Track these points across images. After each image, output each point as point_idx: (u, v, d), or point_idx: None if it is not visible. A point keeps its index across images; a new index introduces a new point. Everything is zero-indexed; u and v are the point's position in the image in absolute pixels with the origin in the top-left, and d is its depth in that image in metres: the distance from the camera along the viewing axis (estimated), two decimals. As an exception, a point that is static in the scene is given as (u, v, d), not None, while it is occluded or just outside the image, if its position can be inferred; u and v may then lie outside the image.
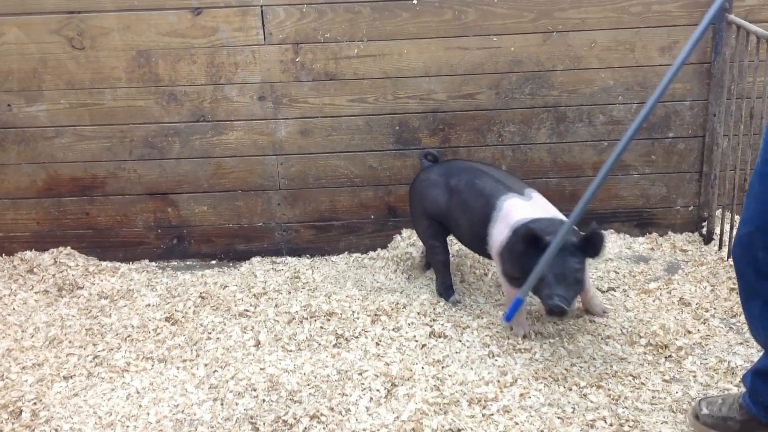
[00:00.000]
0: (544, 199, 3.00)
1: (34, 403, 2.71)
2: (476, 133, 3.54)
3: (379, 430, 2.51)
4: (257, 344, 3.00)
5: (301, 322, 3.13)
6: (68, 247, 3.62)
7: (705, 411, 2.40)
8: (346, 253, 3.70)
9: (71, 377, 2.85)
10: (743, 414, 2.34)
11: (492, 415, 2.54)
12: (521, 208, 2.90)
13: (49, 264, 3.54)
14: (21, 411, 2.68)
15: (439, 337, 2.98)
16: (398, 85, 3.46)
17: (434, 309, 3.15)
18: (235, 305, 3.24)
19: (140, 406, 2.69)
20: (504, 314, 2.67)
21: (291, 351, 2.96)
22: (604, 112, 3.50)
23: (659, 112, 3.51)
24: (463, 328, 3.02)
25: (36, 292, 3.39)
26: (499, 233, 2.92)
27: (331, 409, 2.65)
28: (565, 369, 2.76)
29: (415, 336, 2.99)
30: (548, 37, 3.39)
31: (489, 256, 3.03)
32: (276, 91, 3.47)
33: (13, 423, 2.64)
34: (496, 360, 2.83)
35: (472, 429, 2.47)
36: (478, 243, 3.03)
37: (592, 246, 2.67)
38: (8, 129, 3.49)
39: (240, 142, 3.53)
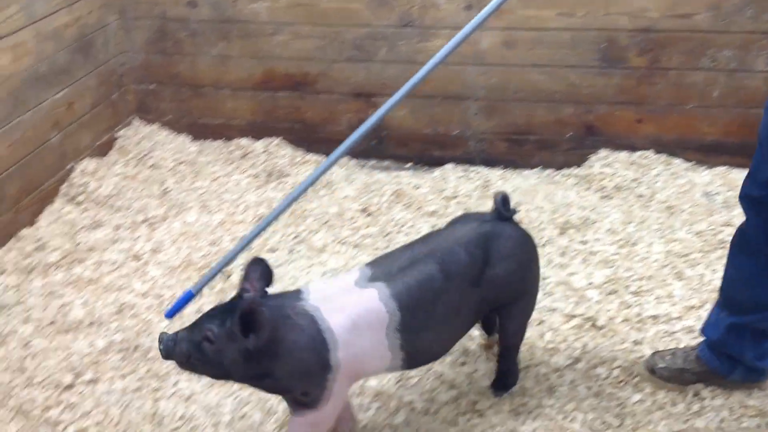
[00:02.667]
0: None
1: (243, 269, 2.99)
2: (688, 56, 3.41)
3: (560, 326, 2.59)
4: (445, 242, 3.13)
5: (489, 227, 3.22)
6: (279, 138, 3.89)
7: (661, 365, 2.39)
8: (539, 168, 3.72)
9: (275, 251, 3.12)
10: (701, 366, 2.36)
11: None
12: None
13: (260, 152, 3.82)
14: (231, 274, 2.97)
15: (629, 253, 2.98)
16: (610, 1, 3.39)
17: (625, 228, 3.14)
18: (426, 205, 3.38)
19: (334, 282, 2.91)
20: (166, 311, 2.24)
21: (476, 252, 3.07)
22: (834, 42, 3.27)
23: None
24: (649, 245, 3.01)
25: (248, 176, 3.68)
26: None
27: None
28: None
29: (600, 251, 3.00)
30: (780, -44, 3.19)
31: None
32: (483, 1, 3.49)
33: (223, 283, 2.94)
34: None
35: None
36: None
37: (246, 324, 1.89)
38: (234, 23, 3.77)
39: (445, 49, 3.61)
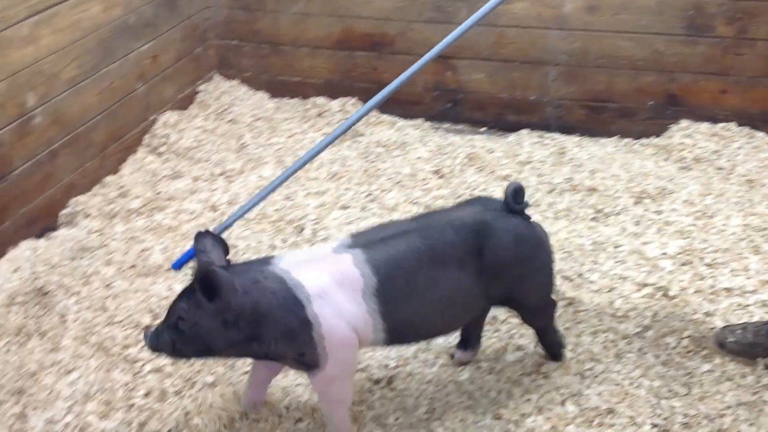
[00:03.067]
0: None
1: (315, 223, 3.05)
2: (778, 26, 3.31)
3: (630, 294, 2.58)
4: (517, 206, 3.13)
5: (562, 193, 3.20)
6: (355, 98, 3.92)
7: (731, 339, 2.36)
8: (617, 136, 3.66)
9: (347, 207, 3.16)
10: None
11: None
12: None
13: (336, 111, 3.86)
14: (303, 228, 3.03)
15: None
16: (701, -32, 3.31)
17: (702, 200, 3.08)
18: (500, 169, 3.37)
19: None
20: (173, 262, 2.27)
21: (548, 217, 3.06)
22: None
23: None
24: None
25: (323, 134, 3.72)
26: None
27: (581, 274, 2.74)
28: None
29: (675, 221, 2.96)
30: None
31: None
32: (567, -36, 3.45)
33: (296, 237, 3.00)
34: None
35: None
36: None
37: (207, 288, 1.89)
38: (315, -19, 3.80)
39: (525, 12, 3.57)
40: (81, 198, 3.23)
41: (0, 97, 2.84)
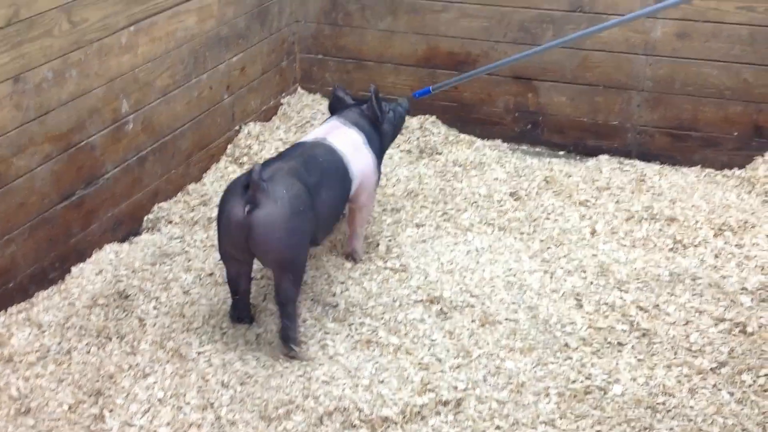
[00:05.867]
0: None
1: (390, 240, 3.08)
2: None
3: (707, 328, 2.53)
4: (593, 232, 3.10)
5: (640, 221, 3.15)
6: (434, 116, 3.94)
7: None
8: (700, 166, 3.59)
9: (422, 226, 3.18)
10: None
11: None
12: (340, 134, 2.82)
13: (415, 128, 3.89)
14: (378, 244, 3.06)
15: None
16: (795, -4, 3.22)
17: (785, 235, 3.00)
18: (577, 194, 3.34)
19: (477, 262, 2.95)
20: (416, 92, 3.27)
21: (625, 246, 3.02)
22: None
23: None
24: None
25: (401, 150, 3.76)
26: (360, 163, 2.81)
27: (657, 305, 2.70)
28: None
29: (757, 256, 2.88)
30: None
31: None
32: (659, -12, 3.40)
33: (370, 253, 3.03)
34: None
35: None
36: (342, 205, 2.81)
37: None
38: (402, -1, 3.85)
39: (612, 37, 3.54)
40: (164, 204, 3.34)
41: (97, 102, 2.96)
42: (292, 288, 2.50)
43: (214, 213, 3.26)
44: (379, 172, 2.94)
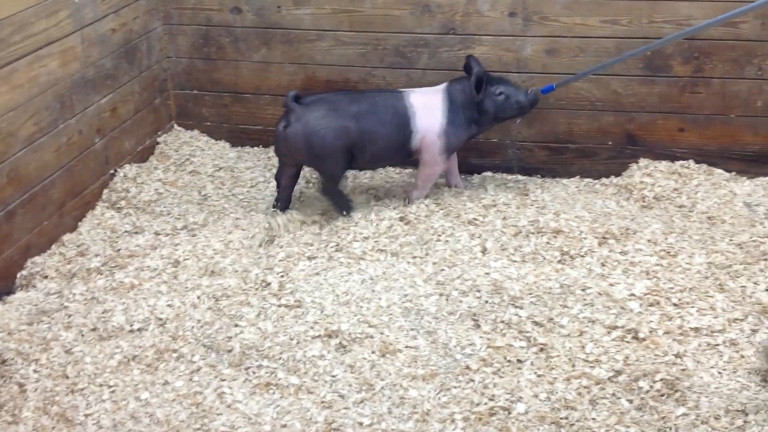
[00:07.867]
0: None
1: (282, 276, 3.01)
2: (733, 65, 3.37)
3: (601, 337, 2.56)
4: (483, 251, 3.11)
5: (528, 236, 3.19)
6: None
7: None
8: (578, 177, 3.69)
9: (314, 258, 3.12)
10: None
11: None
12: (423, 93, 3.34)
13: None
14: (269, 282, 2.98)
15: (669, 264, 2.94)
16: (655, 9, 3.36)
17: (666, 239, 3.10)
18: (465, 213, 3.36)
19: (373, 290, 2.91)
20: (542, 88, 3.36)
21: (515, 261, 3.05)
22: None
23: None
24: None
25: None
26: (427, 121, 3.30)
27: (551, 319, 2.73)
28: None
29: (641, 261, 2.97)
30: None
31: (409, 158, 3.44)
32: (528, 7, 3.48)
33: (262, 291, 2.95)
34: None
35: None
36: (400, 149, 3.36)
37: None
38: (276, 29, 3.78)
39: (485, 57, 3.59)
40: (38, 258, 3.15)
41: (-45, 157, 2.78)
42: (327, 183, 3.34)
43: (93, 264, 3.12)
44: (455, 142, 3.37)
